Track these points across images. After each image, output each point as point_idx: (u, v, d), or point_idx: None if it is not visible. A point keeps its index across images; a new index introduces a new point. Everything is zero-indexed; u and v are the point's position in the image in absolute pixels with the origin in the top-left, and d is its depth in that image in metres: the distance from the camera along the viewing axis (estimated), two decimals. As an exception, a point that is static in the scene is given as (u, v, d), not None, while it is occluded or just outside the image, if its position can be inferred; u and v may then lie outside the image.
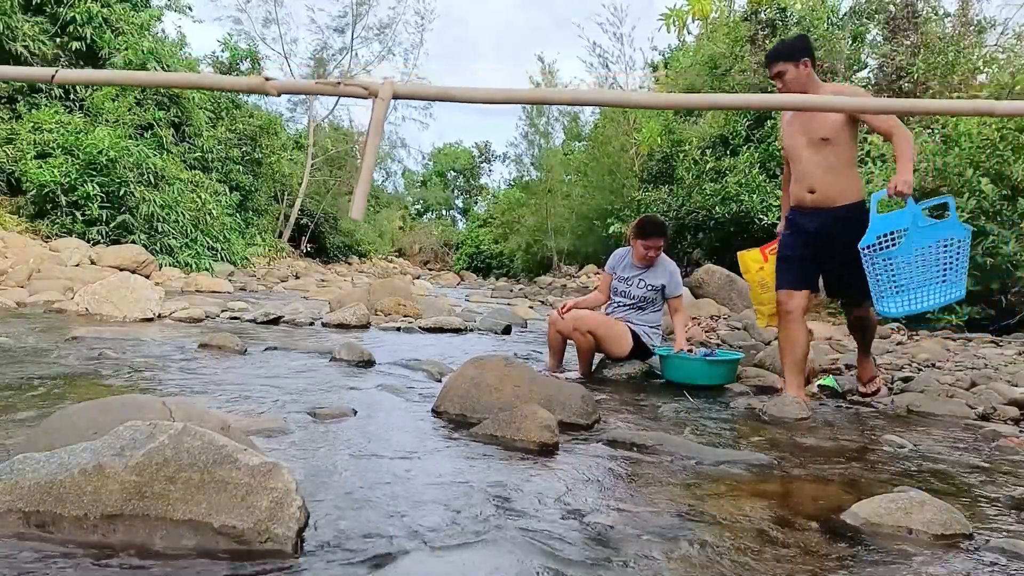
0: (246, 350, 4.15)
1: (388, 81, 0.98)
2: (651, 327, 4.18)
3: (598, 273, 16.72)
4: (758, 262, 3.73)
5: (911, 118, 10.03)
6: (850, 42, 12.27)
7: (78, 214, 11.32)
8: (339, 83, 0.97)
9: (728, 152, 12.30)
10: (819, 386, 3.84)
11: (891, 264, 3.00)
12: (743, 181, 10.92)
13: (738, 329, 6.58)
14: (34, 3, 13.18)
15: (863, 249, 3.04)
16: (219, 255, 14.30)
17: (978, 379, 3.98)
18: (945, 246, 3.00)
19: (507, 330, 6.48)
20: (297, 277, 15.71)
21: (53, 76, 0.96)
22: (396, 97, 1.01)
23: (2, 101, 12.39)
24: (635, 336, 4.09)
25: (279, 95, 0.99)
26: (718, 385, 3.83)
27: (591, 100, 1.19)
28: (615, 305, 4.28)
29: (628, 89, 17.34)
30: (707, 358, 3.88)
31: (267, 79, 0.95)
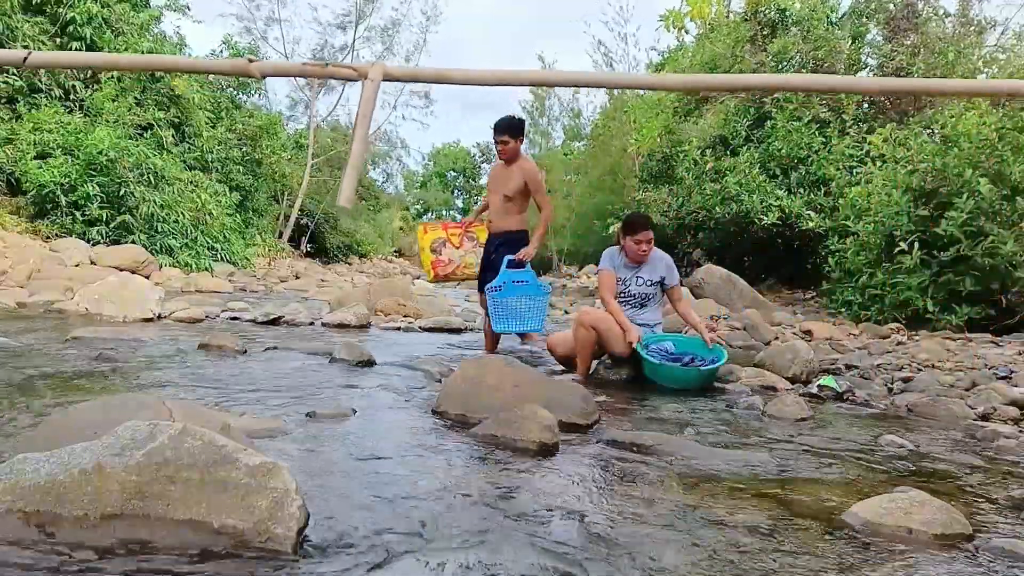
0: (246, 350, 4.15)
1: (379, 63, 0.96)
2: (653, 327, 4.18)
3: (597, 273, 16.66)
4: (421, 233, 4.97)
5: (911, 117, 10.05)
6: (850, 42, 12.27)
7: (78, 214, 11.31)
8: (327, 64, 0.95)
9: (728, 152, 12.30)
10: (819, 386, 3.83)
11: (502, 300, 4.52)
12: (743, 181, 10.91)
13: (738, 329, 6.58)
14: (34, 3, 13.17)
15: (488, 290, 4.55)
16: (219, 255, 14.29)
17: (978, 379, 3.98)
18: (528, 298, 4.55)
19: (507, 330, 6.47)
20: (297, 277, 15.71)
21: (25, 59, 0.94)
22: (387, 79, 0.98)
23: (2, 101, 12.37)
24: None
25: (263, 77, 0.97)
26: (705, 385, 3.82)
27: (590, 82, 1.17)
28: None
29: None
30: (682, 365, 3.85)
31: (251, 60, 0.93)
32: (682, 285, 4.46)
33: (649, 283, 4.15)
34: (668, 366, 3.85)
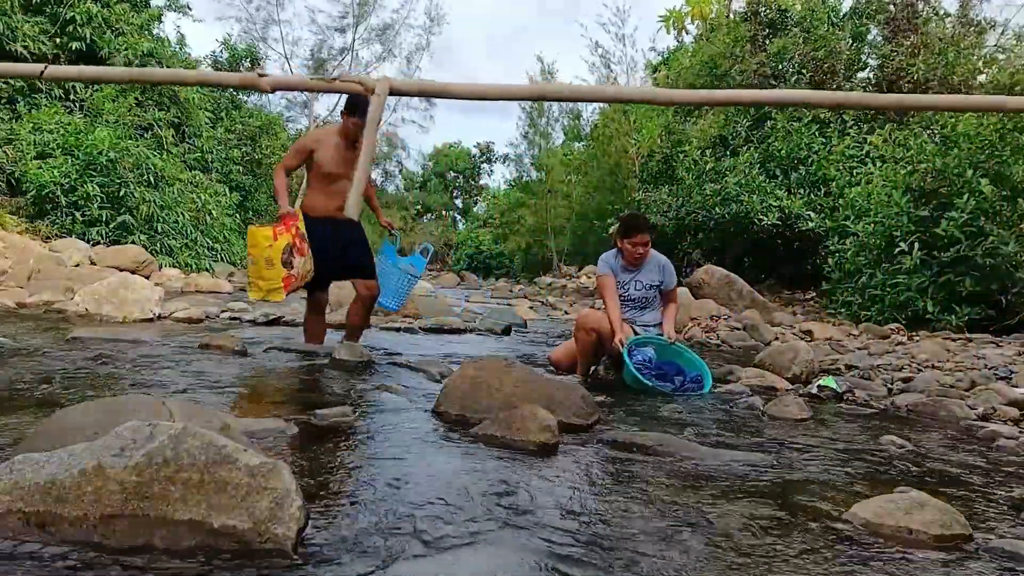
0: (246, 350, 4.15)
1: (385, 77, 0.97)
2: (653, 327, 4.18)
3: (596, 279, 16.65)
4: (268, 239, 3.88)
5: (911, 117, 10.04)
6: (850, 42, 12.28)
7: (78, 214, 11.31)
8: (335, 79, 0.96)
9: (728, 152, 12.30)
10: (819, 386, 3.83)
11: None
12: (743, 181, 10.92)
13: (738, 329, 6.58)
14: (34, 3, 13.17)
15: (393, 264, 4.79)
16: (219, 255, 14.30)
17: (978, 379, 3.98)
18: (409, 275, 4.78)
19: (507, 330, 6.48)
20: (297, 277, 15.67)
21: (43, 72, 0.95)
22: (393, 93, 0.99)
23: (2, 101, 12.37)
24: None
25: (273, 91, 0.98)
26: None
27: (590, 96, 1.17)
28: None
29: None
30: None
31: (261, 75, 0.94)
32: (681, 286, 4.39)
33: (648, 286, 4.13)
34: (642, 379, 3.66)
